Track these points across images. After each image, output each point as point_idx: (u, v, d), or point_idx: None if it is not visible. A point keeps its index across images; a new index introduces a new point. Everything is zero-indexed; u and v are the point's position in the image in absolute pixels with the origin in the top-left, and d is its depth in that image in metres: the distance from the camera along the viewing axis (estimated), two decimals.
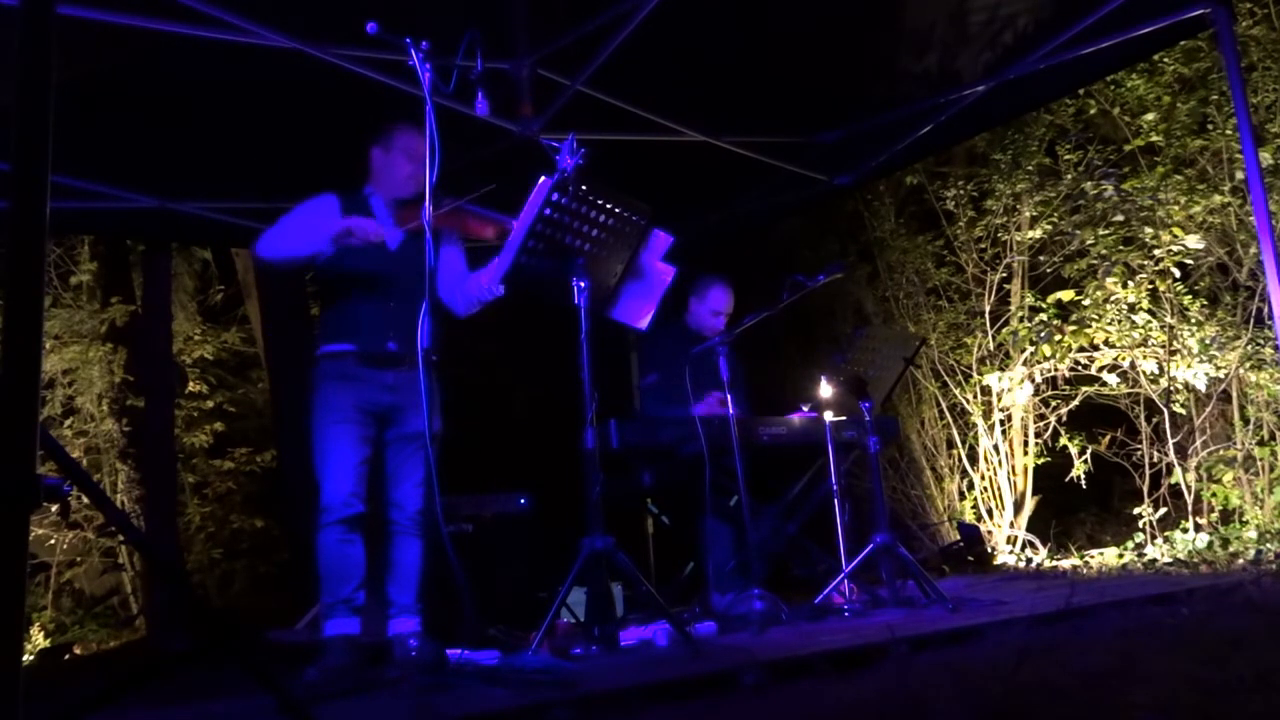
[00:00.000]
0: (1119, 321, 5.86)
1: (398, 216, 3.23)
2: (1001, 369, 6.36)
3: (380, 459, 3.16)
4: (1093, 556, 5.32)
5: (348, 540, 3.00)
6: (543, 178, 2.90)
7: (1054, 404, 6.28)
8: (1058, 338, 6.05)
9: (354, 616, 2.99)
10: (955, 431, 6.56)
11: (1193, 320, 5.66)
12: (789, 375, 6.36)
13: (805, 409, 4.23)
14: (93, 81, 3.50)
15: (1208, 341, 5.54)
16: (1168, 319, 5.71)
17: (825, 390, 3.93)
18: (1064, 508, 6.39)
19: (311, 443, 3.11)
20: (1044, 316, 6.16)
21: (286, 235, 3.13)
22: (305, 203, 3.22)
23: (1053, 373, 6.22)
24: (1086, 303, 5.98)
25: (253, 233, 4.96)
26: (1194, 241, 5.60)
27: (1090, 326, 5.93)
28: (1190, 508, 5.42)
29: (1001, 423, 6.39)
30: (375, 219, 3.16)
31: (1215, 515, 5.37)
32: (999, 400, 6.36)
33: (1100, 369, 6.00)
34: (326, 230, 3.04)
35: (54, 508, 5.46)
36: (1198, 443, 5.59)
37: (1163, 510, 5.58)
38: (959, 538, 6.08)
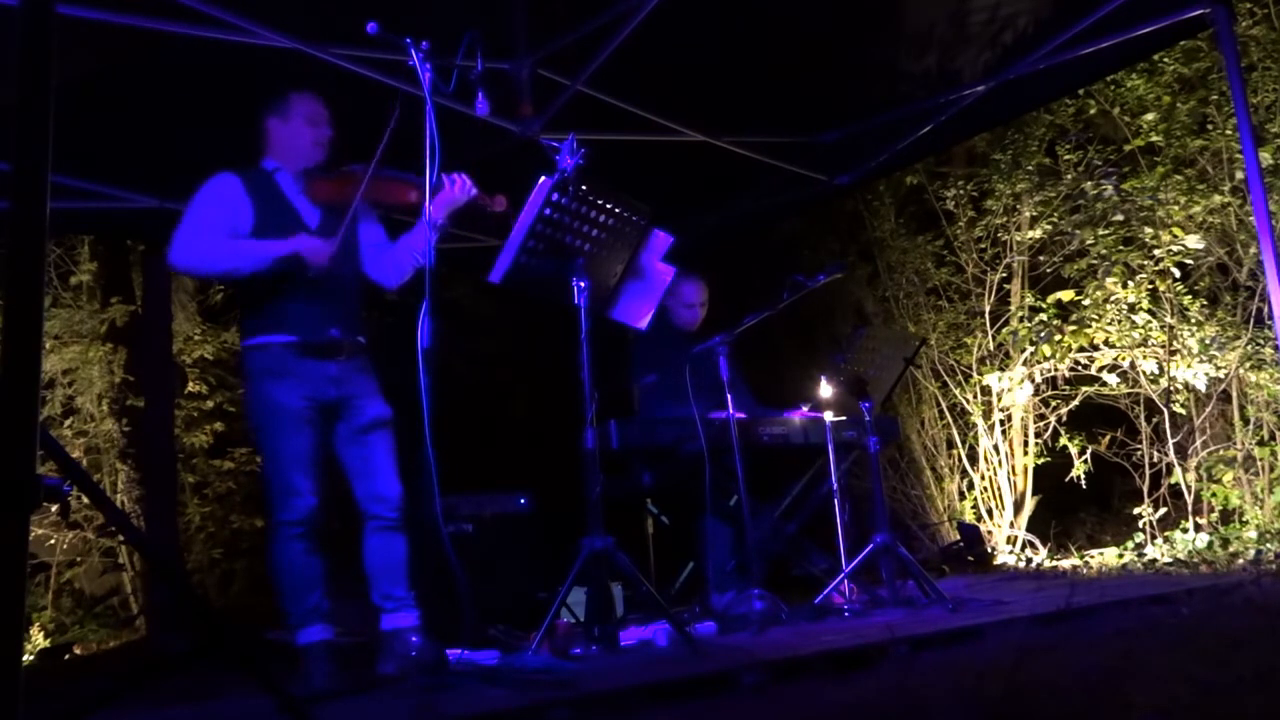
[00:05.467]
0: (1119, 321, 5.86)
1: (307, 188, 3.02)
2: (1001, 369, 6.36)
3: (339, 456, 2.99)
4: (1093, 556, 5.32)
5: (312, 550, 2.88)
6: (543, 178, 2.90)
7: (1054, 404, 6.28)
8: (1058, 338, 6.05)
9: (326, 622, 2.89)
10: (955, 431, 6.56)
11: (1193, 320, 5.66)
12: (789, 375, 6.36)
13: (805, 408, 4.24)
14: (93, 81, 3.50)
15: (1208, 341, 5.54)
16: (1168, 319, 5.71)
17: (825, 390, 3.93)
18: (1064, 508, 6.39)
19: (261, 450, 2.91)
20: (1044, 316, 6.16)
21: (216, 250, 2.88)
22: (209, 190, 2.96)
23: (1053, 373, 6.22)
24: (1086, 303, 5.98)
25: None
26: (1194, 241, 5.60)
27: (1090, 326, 5.93)
28: (1190, 508, 5.42)
29: (1001, 423, 6.39)
30: (302, 214, 2.99)
31: (1215, 515, 5.37)
32: (999, 400, 6.36)
33: (1100, 369, 6.00)
34: (267, 253, 2.85)
35: (54, 508, 5.46)
36: (1198, 443, 5.59)
37: (1163, 510, 5.59)
38: (959, 538, 6.08)
